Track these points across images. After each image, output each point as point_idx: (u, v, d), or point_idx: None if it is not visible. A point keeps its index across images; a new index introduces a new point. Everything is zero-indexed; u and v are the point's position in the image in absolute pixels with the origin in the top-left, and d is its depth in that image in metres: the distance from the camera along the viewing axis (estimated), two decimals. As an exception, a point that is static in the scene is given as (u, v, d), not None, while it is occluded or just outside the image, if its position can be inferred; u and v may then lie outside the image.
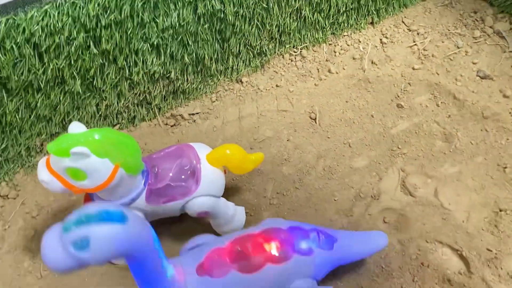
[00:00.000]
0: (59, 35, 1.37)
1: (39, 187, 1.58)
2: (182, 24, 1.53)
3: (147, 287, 1.04)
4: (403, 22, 1.97)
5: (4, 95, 1.43)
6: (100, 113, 1.64)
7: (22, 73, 1.39)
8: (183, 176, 1.28)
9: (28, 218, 1.51)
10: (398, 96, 1.75)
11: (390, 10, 1.98)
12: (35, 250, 1.44)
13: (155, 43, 1.53)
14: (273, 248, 1.15)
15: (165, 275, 1.06)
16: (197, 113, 1.73)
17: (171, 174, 1.27)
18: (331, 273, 1.28)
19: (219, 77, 1.78)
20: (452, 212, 1.45)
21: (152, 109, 1.72)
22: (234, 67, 1.78)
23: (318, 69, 1.84)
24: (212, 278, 1.12)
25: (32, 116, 1.52)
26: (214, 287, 1.12)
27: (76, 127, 1.13)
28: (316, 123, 1.70)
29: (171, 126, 1.72)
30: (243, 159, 1.37)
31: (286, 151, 1.63)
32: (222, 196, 1.38)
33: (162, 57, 1.59)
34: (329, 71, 1.83)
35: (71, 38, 1.40)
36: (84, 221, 0.84)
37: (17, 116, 1.49)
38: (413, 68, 1.82)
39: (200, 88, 1.76)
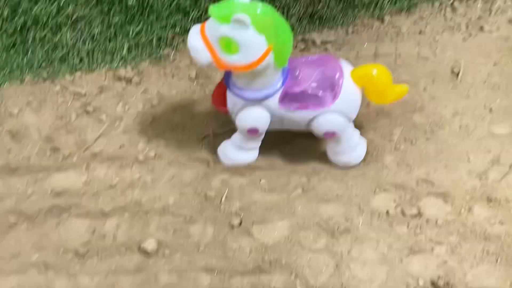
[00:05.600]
0: None
1: (162, 79, 1.56)
2: None
3: None
4: None
5: (154, -27, 1.40)
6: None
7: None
8: (322, 86, 1.20)
9: (148, 105, 1.50)
10: (556, 70, 1.56)
11: (562, -22, 1.75)
12: (151, 136, 1.43)
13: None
14: None
15: None
16: (330, 42, 1.64)
17: (311, 80, 1.19)
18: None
19: (361, 10, 1.66)
20: None
21: (286, 27, 1.64)
22: (378, 3, 1.66)
23: (468, 25, 1.68)
24: None
25: (172, 4, 1.49)
26: None
27: None
28: (457, 79, 1.55)
29: (301, 50, 1.64)
30: (388, 86, 1.26)
31: (421, 99, 1.50)
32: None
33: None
34: (481, 28, 1.66)
35: None
36: None
37: (159, 0, 1.46)
38: None
39: (338, 18, 1.66)
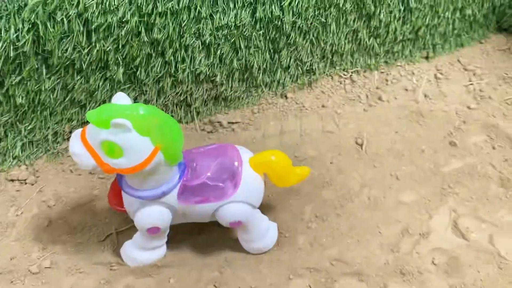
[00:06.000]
0: (112, 15, 1.29)
1: (60, 176, 1.46)
2: (238, 25, 1.45)
3: None
4: (458, 61, 1.89)
5: (44, 71, 1.34)
6: (136, 107, 1.54)
7: (66, 50, 1.31)
8: (222, 176, 1.16)
9: (43, 207, 1.39)
10: (452, 134, 1.64)
11: (446, 47, 1.90)
12: (47, 242, 1.31)
13: (207, 41, 1.45)
14: None
15: None
16: (236, 122, 1.63)
17: (209, 172, 1.16)
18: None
19: (264, 89, 1.69)
20: (510, 263, 1.30)
21: (191, 112, 1.62)
22: (280, 81, 1.69)
23: (367, 96, 1.74)
24: None
25: (66, 99, 1.43)
26: None
27: (121, 98, 1.03)
28: (362, 149, 1.58)
29: (208, 132, 1.62)
30: (288, 170, 1.25)
31: (329, 174, 1.51)
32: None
33: (211, 58, 1.50)
34: (380, 98, 1.73)
35: (123, 21, 1.32)
36: None
37: (51, 96, 1.40)
38: (469, 107, 1.71)
39: (242, 98, 1.67)
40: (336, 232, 1.36)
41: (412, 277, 1.26)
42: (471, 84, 1.80)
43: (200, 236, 1.34)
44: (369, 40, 1.73)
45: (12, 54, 1.24)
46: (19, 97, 1.34)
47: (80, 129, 1.05)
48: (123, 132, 0.99)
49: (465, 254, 1.32)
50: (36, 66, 1.31)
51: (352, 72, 1.78)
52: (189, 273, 1.27)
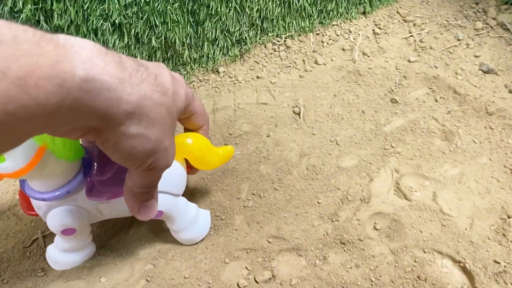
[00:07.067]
0: (1, 6, 1.18)
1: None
2: (148, 0, 1.35)
3: None
4: (398, 12, 1.80)
5: None
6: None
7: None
8: None
9: (-38, 219, 1.31)
10: (392, 91, 1.57)
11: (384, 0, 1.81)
12: (-33, 256, 1.24)
13: (116, 21, 1.34)
14: None
15: None
16: (166, 105, 1.54)
17: (118, 164, 1.07)
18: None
19: (193, 65, 1.60)
20: (453, 219, 1.25)
21: (115, 99, 1.52)
22: (210, 56, 1.60)
23: (304, 60, 1.66)
24: None
25: None
26: None
27: None
28: (300, 118, 1.51)
29: (137, 118, 1.52)
30: (208, 152, 1.17)
31: (265, 148, 1.44)
32: (188, 196, 1.19)
33: (126, 39, 1.40)
34: (316, 62, 1.65)
35: (16, 10, 1.21)
36: None
37: None
38: (409, 61, 1.64)
39: (171, 78, 1.57)
40: (274, 208, 1.31)
41: (352, 245, 1.21)
42: (411, 36, 1.72)
43: (130, 229, 1.28)
44: (298, 1, 1.63)
45: None
46: None
47: None
48: None
49: (407, 215, 1.27)
50: None
51: (286, 38, 1.69)
52: (121, 269, 1.21)
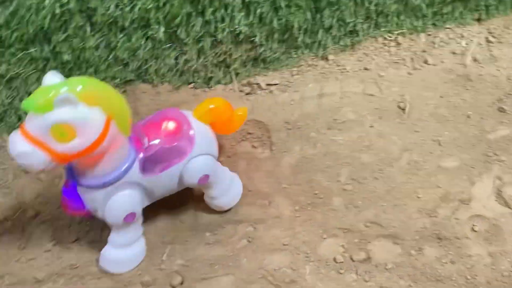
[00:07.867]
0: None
1: None
2: (278, -17, 1.43)
3: None
4: (514, 23, 1.77)
5: (87, 28, 1.38)
6: (177, 67, 1.56)
7: (109, 8, 1.34)
8: (175, 136, 1.16)
9: None
10: (501, 100, 1.56)
11: (501, 8, 1.78)
12: None
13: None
14: None
15: None
16: (275, 84, 1.62)
17: (161, 136, 1.15)
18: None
19: (304, 50, 1.66)
20: (556, 233, 1.24)
21: (229, 73, 1.62)
22: (322, 42, 1.66)
23: (412, 59, 1.68)
24: None
25: (110, 57, 1.47)
26: None
27: (52, 77, 0.96)
28: (404, 113, 1.54)
29: (246, 93, 1.62)
30: (231, 113, 1.27)
31: (368, 137, 1.48)
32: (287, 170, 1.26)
33: (251, 17, 1.49)
34: (426, 62, 1.66)
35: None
36: None
37: (95, 54, 1.44)
38: (522, 73, 1.61)
39: (282, 59, 1.65)
40: (373, 195, 1.35)
41: (449, 242, 1.23)
42: (527, 48, 1.69)
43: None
44: (416, 0, 1.65)
45: (58, 11, 1.28)
46: (65, 54, 1.39)
47: (16, 130, 0.97)
48: (71, 108, 0.94)
49: (508, 222, 1.27)
50: (81, 24, 1.35)
51: (397, 34, 1.71)
52: (224, 227, 1.31)
